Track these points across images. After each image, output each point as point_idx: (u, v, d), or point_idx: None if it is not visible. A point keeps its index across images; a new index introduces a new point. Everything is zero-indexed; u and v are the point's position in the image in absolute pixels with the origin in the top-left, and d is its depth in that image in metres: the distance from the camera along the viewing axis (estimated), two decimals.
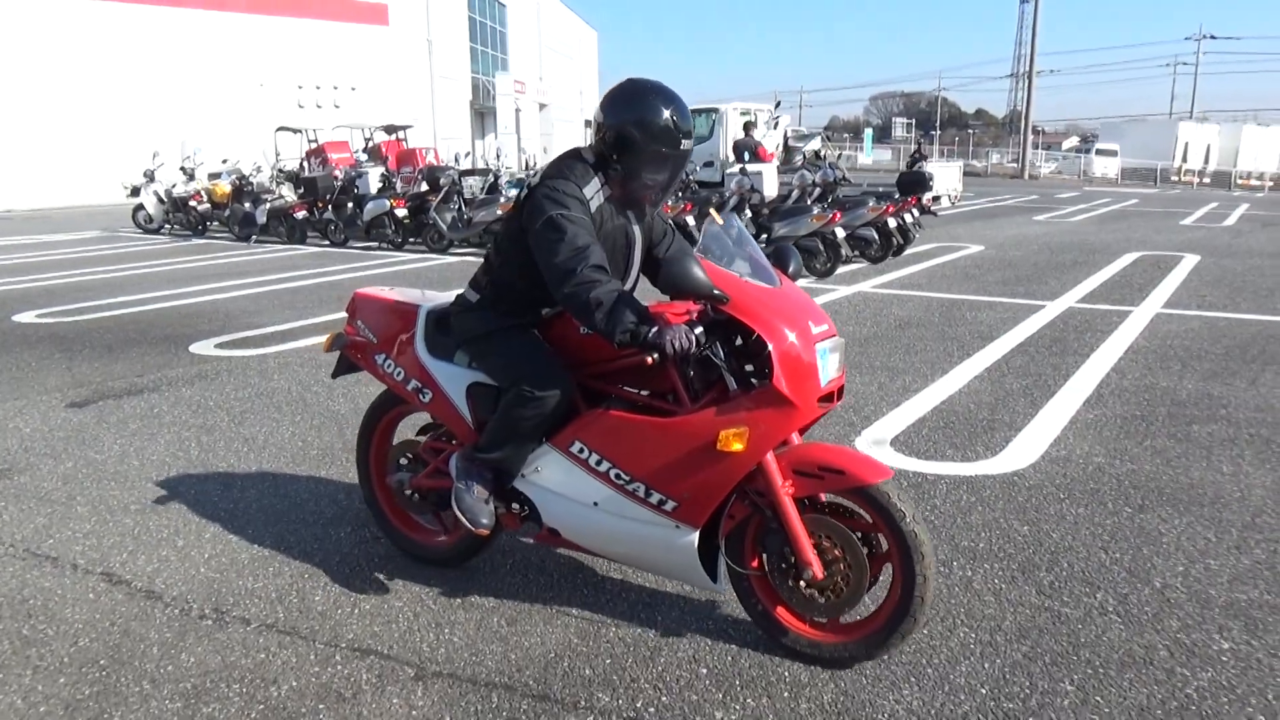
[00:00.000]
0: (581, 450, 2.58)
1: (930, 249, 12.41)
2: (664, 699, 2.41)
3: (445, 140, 30.81)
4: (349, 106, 30.11)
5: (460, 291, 2.85)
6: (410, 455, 3.14)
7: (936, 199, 17.24)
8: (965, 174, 28.21)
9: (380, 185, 14.02)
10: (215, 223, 15.56)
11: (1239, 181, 40.66)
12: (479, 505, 2.71)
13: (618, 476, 2.53)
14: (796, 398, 2.31)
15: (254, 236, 14.20)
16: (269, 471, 4.09)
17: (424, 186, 13.05)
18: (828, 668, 2.52)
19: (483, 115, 40.65)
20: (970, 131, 75.32)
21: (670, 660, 2.59)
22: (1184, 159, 44.65)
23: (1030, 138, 44.95)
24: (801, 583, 2.50)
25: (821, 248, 9.71)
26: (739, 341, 2.44)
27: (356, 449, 3.29)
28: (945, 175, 19.76)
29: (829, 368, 2.37)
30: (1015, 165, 43.32)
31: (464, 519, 2.71)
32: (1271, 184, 40.77)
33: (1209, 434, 4.52)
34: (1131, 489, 3.82)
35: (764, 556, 2.55)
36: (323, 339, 6.75)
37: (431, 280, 9.77)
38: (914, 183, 11.73)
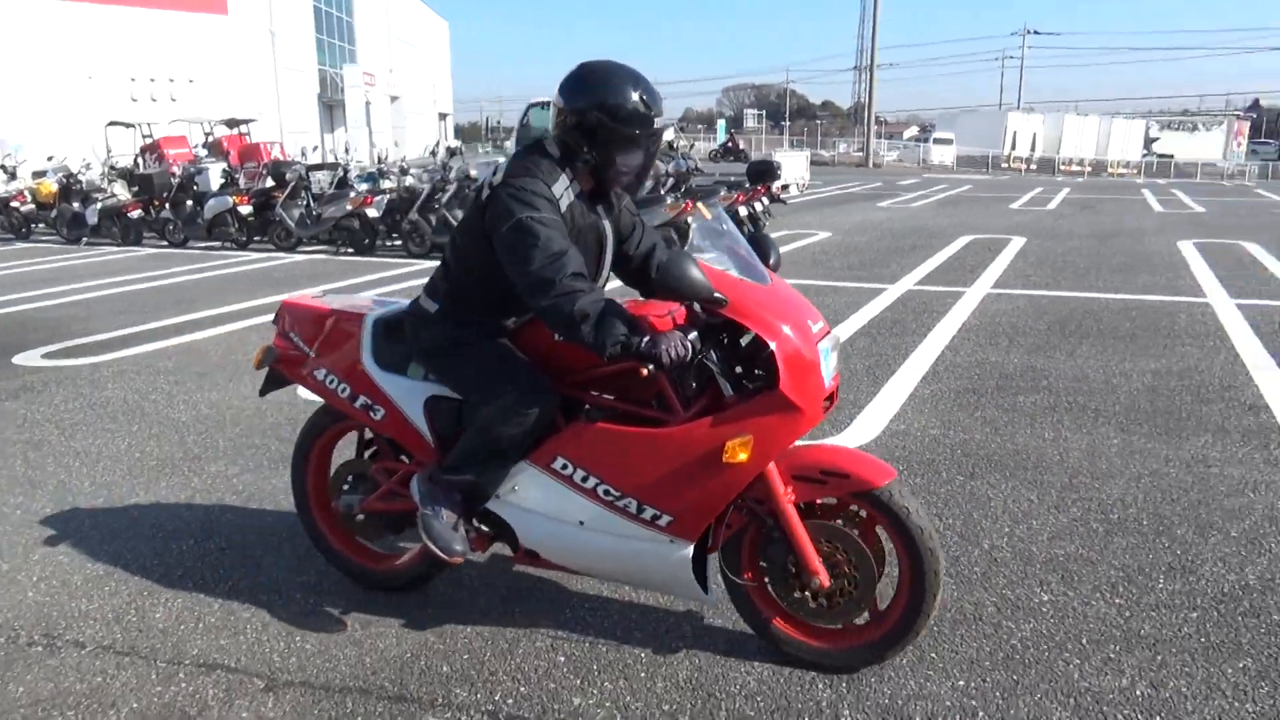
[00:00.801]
0: (565, 466, 2.40)
1: (780, 236, 12.79)
2: (522, 689, 2.42)
3: (292, 134, 29.62)
4: (187, 100, 28.52)
5: (414, 299, 2.63)
6: (357, 476, 2.88)
7: (785, 187, 17.77)
8: (813, 163, 29.22)
9: (222, 181, 13.36)
10: (41, 224, 14.47)
11: (1061, 167, 43.68)
12: (449, 532, 2.49)
13: (606, 493, 2.36)
14: (802, 402, 2.20)
15: (84, 238, 13.27)
16: (104, 485, 3.86)
17: (269, 182, 12.50)
18: (832, 674, 2.45)
19: (332, 108, 39.28)
20: (818, 122, 77.96)
21: (528, 651, 2.60)
22: (1013, 147, 47.57)
23: (874, 128, 46.91)
24: (808, 592, 2.42)
25: (675, 237, 9.86)
26: (728, 343, 2.33)
27: (292, 471, 2.99)
28: (793, 164, 20.39)
29: (829, 367, 2.28)
30: (861, 154, 45.13)
31: (435, 548, 2.48)
32: (1090, 169, 43.97)
33: (1032, 403, 4.86)
34: (964, 457, 4.07)
35: (764, 566, 2.46)
36: (166, 344, 6.41)
37: (280, 281, 9.40)
38: (763, 172, 12.07)
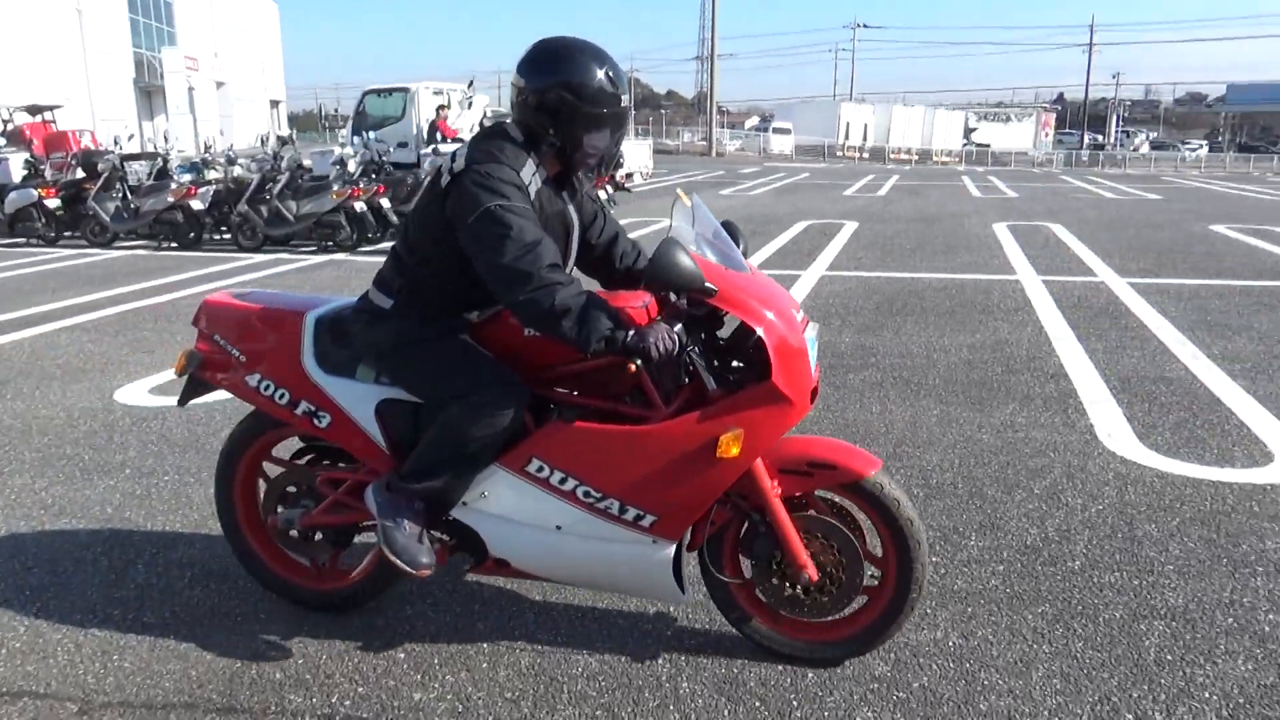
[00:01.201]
0: (541, 469, 2.27)
1: (626, 224, 12.92)
2: (360, 689, 2.37)
3: (106, 122, 27.56)
4: None
5: (362, 295, 2.45)
6: (297, 488, 2.68)
7: (630, 176, 17.95)
8: (658, 152, 29.64)
9: (25, 173, 12.31)
10: None
11: (892, 155, 45.97)
12: (414, 544, 2.34)
13: (586, 495, 2.26)
14: (792, 393, 2.15)
15: None
16: None
17: (80, 173, 11.64)
18: (817, 668, 2.43)
19: (150, 95, 36.84)
20: (663, 111, 78.94)
21: (367, 650, 2.54)
22: (846, 136, 49.71)
23: (717, 117, 47.96)
24: (797, 587, 2.40)
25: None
26: (706, 335, 2.27)
27: (216, 487, 2.74)
28: (637, 153, 20.62)
29: (813, 357, 2.24)
30: (705, 144, 46.05)
31: (399, 563, 2.32)
32: (917, 158, 46.46)
33: (861, 380, 5.11)
34: (796, 432, 4.22)
35: (750, 562, 2.42)
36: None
37: (97, 279, 8.77)
38: None
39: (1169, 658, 2.47)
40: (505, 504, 2.33)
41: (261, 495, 2.74)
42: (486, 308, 2.35)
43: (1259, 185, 24.93)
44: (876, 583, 2.43)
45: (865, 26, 74.30)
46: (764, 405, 2.14)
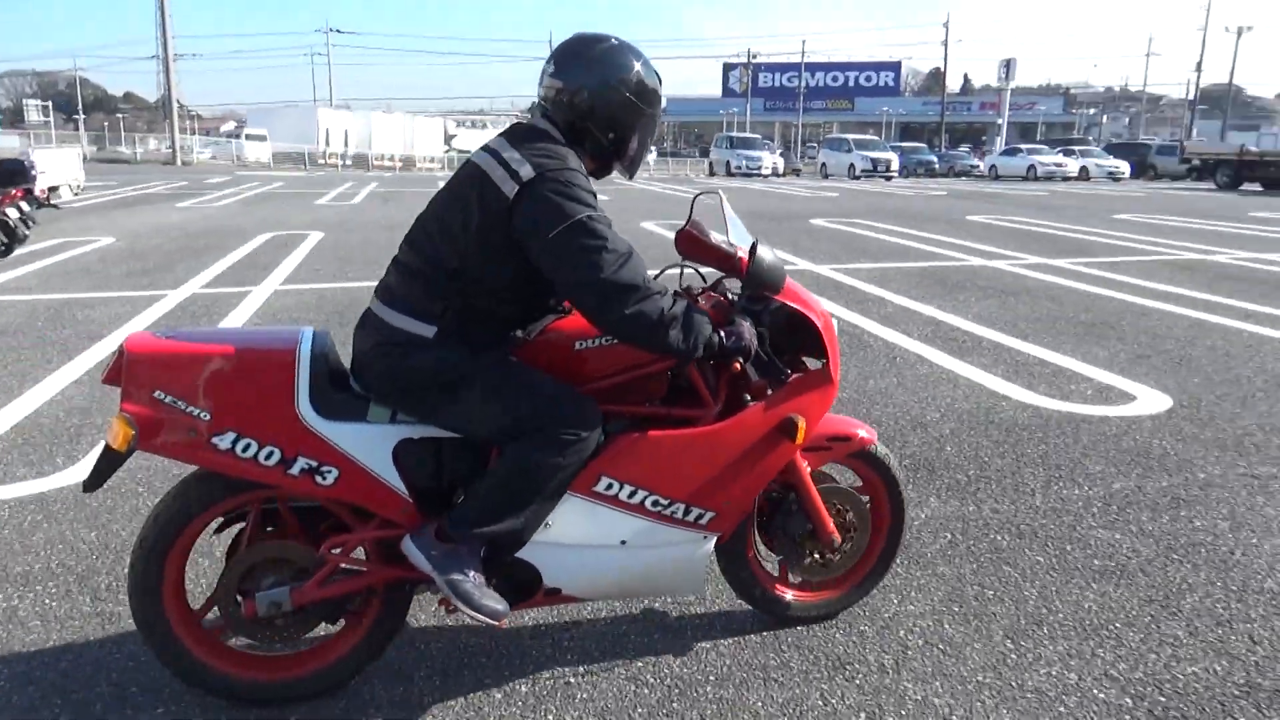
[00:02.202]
0: (610, 486, 2.14)
1: (53, 245, 11.09)
2: None
3: None
4: None
5: (381, 324, 2.06)
6: (270, 563, 2.13)
7: (55, 189, 15.48)
8: (113, 161, 26.01)
9: None
10: None
11: (374, 163, 45.71)
12: (488, 593, 2.04)
13: (655, 504, 2.18)
14: (837, 378, 2.32)
15: None
16: None
17: None
18: (826, 622, 2.62)
19: None
20: (120, 116, 69.74)
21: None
22: (327, 143, 48.34)
23: (184, 123, 43.59)
24: (817, 555, 2.53)
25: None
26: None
27: (136, 584, 2.08)
28: (60, 163, 17.79)
29: None
30: (170, 151, 41.58)
31: (480, 616, 2.00)
32: (401, 164, 46.80)
33: None
34: None
35: (780, 540, 2.51)
36: None
37: None
38: (13, 172, 10.30)
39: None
40: (572, 530, 2.15)
41: (212, 582, 2.36)
42: (532, 324, 2.14)
43: (687, 185, 29.28)
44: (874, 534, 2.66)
45: (339, 31, 72.65)
46: (818, 390, 2.29)
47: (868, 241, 12.32)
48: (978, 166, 42.93)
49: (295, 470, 2.02)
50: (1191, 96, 65.38)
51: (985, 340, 6.28)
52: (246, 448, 2.00)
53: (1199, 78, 68.37)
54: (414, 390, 2.05)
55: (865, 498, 2.63)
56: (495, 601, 2.05)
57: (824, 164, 38.69)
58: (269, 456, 2.00)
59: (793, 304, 2.29)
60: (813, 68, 71.28)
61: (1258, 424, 4.53)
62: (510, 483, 2.02)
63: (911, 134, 66.78)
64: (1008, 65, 52.81)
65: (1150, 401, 4.90)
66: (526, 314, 2.14)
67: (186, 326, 2.27)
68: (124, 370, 1.99)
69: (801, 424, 2.25)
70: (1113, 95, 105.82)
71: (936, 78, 74.26)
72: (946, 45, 63.56)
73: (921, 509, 3.50)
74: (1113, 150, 44.82)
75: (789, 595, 2.62)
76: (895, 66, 74.76)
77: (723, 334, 2.12)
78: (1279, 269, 9.93)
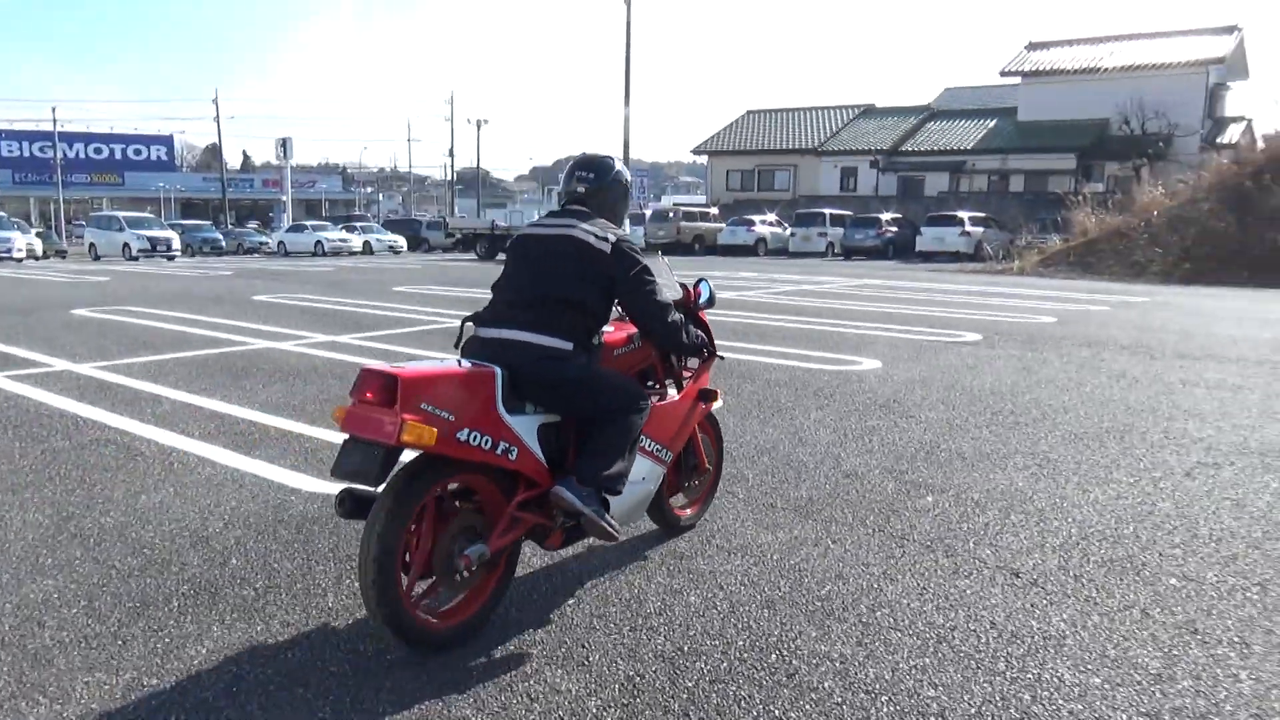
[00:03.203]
0: (645, 441, 3.45)
1: None
2: None
3: None
4: None
5: (527, 344, 3.12)
6: (465, 530, 3.04)
7: None
8: None
9: None
10: None
11: None
12: (610, 520, 3.18)
13: (655, 449, 3.52)
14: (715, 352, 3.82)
15: None
16: None
17: None
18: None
19: None
20: None
21: None
22: None
23: None
24: (696, 481, 4.09)
25: None
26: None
27: (380, 572, 2.78)
28: None
29: None
30: None
31: (611, 532, 3.17)
32: None
33: None
34: None
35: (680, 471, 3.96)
36: None
37: None
38: None
39: None
40: (635, 473, 3.40)
41: (423, 548, 2.96)
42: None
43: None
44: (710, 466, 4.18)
45: None
46: (708, 370, 3.91)
47: (142, 331, 11.11)
48: (267, 243, 42.75)
49: (499, 450, 2.99)
50: (449, 178, 74.92)
51: (274, 429, 6.00)
52: (474, 438, 2.92)
53: (453, 162, 79.00)
54: (562, 386, 3.13)
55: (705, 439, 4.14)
56: (617, 526, 3.23)
57: (93, 244, 34.58)
58: (486, 443, 2.95)
59: (701, 316, 3.88)
60: (70, 138, 63.40)
61: None
62: (616, 441, 3.19)
63: (195, 211, 63.78)
64: (284, 144, 53.73)
65: None
66: (599, 326, 3.33)
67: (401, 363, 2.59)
68: (400, 391, 2.75)
69: (719, 392, 3.87)
70: (385, 175, 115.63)
71: (215, 153, 72.20)
72: (219, 121, 62.28)
73: (202, 643, 3.07)
74: (391, 226, 48.84)
75: (685, 513, 4.10)
76: (168, 140, 70.66)
77: (702, 339, 3.65)
78: None
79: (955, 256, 30.44)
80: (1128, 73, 39.84)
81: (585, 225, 3.27)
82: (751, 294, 17.26)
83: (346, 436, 2.84)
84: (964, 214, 33.44)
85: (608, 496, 3.22)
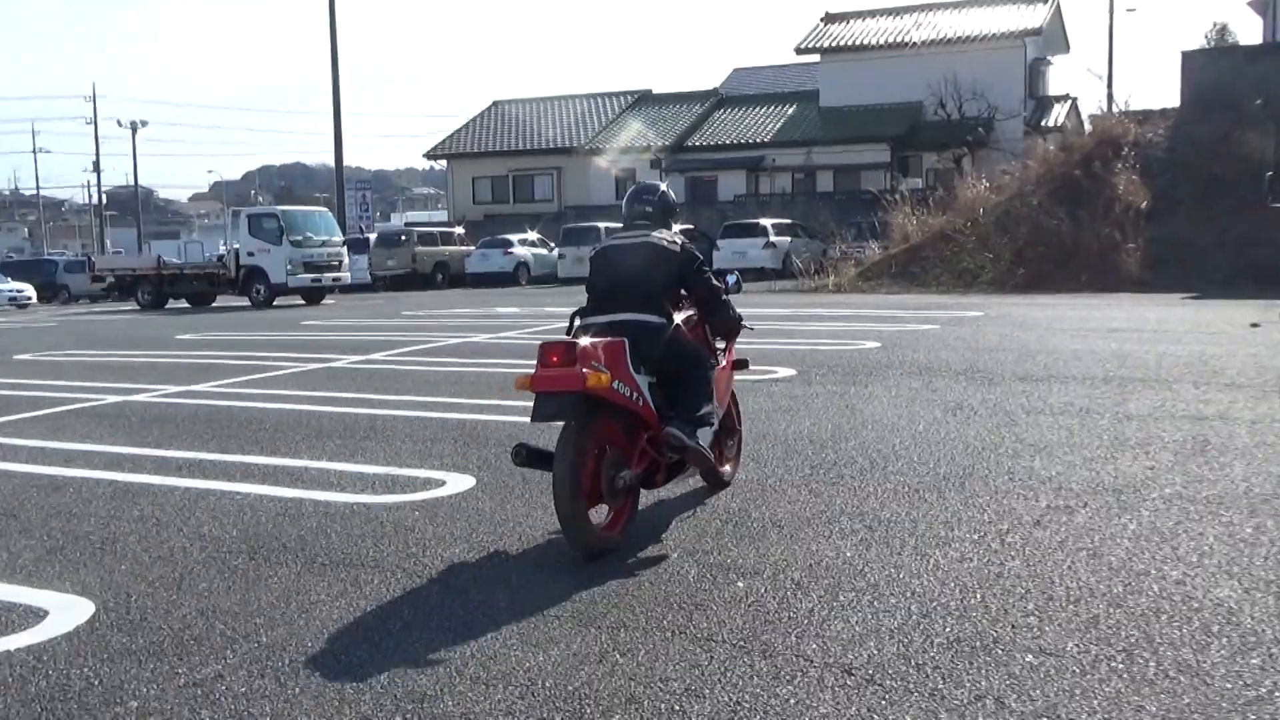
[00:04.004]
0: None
1: None
2: None
3: None
4: None
5: (638, 322, 5.49)
6: (614, 461, 5.30)
7: None
8: None
9: None
10: None
11: None
12: (706, 448, 5.52)
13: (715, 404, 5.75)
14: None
15: None
16: None
17: None
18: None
19: None
20: None
21: None
22: None
23: None
24: (731, 441, 6.57)
25: None
26: None
27: (571, 481, 4.95)
28: None
29: None
30: None
31: (710, 458, 5.66)
32: None
33: None
34: None
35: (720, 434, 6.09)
36: None
37: None
38: None
39: None
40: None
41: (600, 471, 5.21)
42: None
43: None
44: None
45: None
46: (734, 344, 6.48)
47: None
48: None
49: (634, 398, 5.24)
50: (97, 200, 70.35)
51: None
52: (622, 387, 5.15)
53: (100, 178, 73.84)
54: (663, 350, 5.47)
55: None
56: (711, 455, 5.66)
57: None
58: (629, 393, 5.20)
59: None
60: None
61: (197, 610, 4.68)
62: (702, 388, 5.53)
63: None
64: None
65: (65, 615, 4.67)
66: None
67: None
68: (578, 353, 5.03)
69: (748, 361, 6.83)
70: (4, 200, 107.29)
71: None
72: None
73: None
74: (10, 270, 44.96)
75: (727, 469, 6.38)
76: None
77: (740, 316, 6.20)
78: (204, 403, 11.03)
79: (760, 274, 31.74)
80: (938, 48, 43.86)
81: (656, 233, 5.87)
82: (513, 335, 17.26)
83: (538, 394, 5.11)
84: (767, 221, 35.27)
85: (700, 432, 5.46)
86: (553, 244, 38.67)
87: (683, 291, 5.92)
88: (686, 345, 5.70)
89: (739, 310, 6.19)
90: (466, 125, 54.12)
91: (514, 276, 37.25)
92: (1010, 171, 29.27)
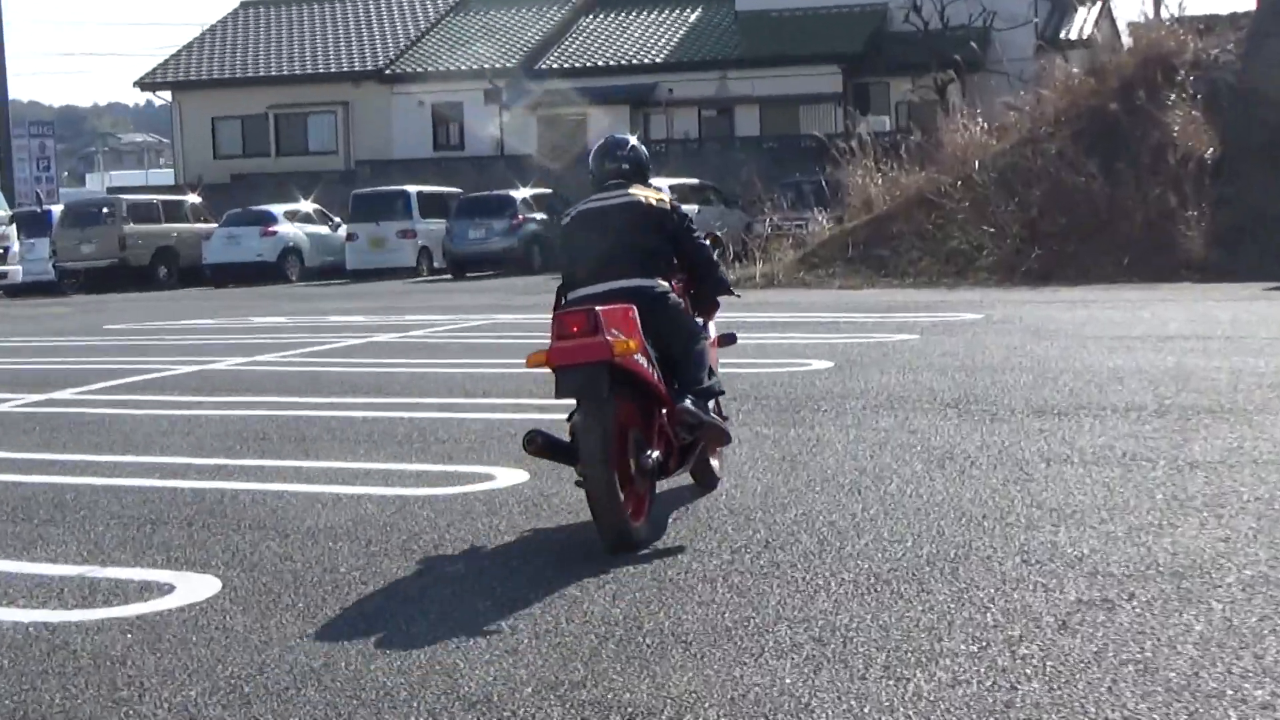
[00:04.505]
0: None
1: None
2: None
3: None
4: None
5: (641, 287, 7.27)
6: (637, 440, 7.01)
7: None
8: None
9: None
10: None
11: None
12: (719, 420, 7.61)
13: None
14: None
15: None
16: None
17: None
18: None
19: None
20: None
21: None
22: None
23: None
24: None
25: None
26: None
27: (603, 466, 6.47)
28: None
29: None
30: None
31: (726, 429, 7.66)
32: None
33: None
34: None
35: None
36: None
37: None
38: None
39: None
40: None
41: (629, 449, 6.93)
42: None
43: None
44: None
45: None
46: (713, 316, 8.66)
47: None
48: None
49: (651, 369, 7.10)
50: None
51: None
52: (641, 358, 6.91)
53: None
54: (665, 317, 7.44)
55: None
56: (727, 424, 8.00)
57: None
58: (645, 362, 6.99)
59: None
60: None
61: None
62: (702, 357, 7.58)
63: None
64: None
65: None
66: None
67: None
68: (600, 322, 6.62)
69: (736, 336, 9.25)
70: None
71: None
72: None
73: None
74: None
75: (716, 465, 8.44)
76: None
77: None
78: None
79: None
80: None
81: (635, 191, 7.63)
82: (279, 356, 17.03)
83: (558, 369, 6.62)
84: (662, 181, 35.43)
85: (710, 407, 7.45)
86: (337, 219, 38.41)
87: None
88: (685, 314, 7.75)
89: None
90: (201, 38, 53.59)
91: (279, 268, 36.89)
92: (1018, 106, 29.89)
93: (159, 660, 5.70)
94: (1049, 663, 5.14)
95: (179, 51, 53.17)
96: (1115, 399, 10.96)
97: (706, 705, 4.93)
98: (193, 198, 41.52)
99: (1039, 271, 24.08)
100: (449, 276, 35.01)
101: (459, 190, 38.64)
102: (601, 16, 50.20)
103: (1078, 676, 4.99)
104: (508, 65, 47.71)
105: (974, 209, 26.30)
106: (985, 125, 29.28)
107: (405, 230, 36.31)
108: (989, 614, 5.73)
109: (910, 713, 4.75)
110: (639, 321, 6.93)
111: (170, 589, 6.77)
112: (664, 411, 7.16)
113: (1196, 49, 27.63)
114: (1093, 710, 4.69)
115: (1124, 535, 6.85)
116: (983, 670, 5.11)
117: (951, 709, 4.77)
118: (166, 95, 54.05)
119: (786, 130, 43.80)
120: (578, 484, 7.08)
